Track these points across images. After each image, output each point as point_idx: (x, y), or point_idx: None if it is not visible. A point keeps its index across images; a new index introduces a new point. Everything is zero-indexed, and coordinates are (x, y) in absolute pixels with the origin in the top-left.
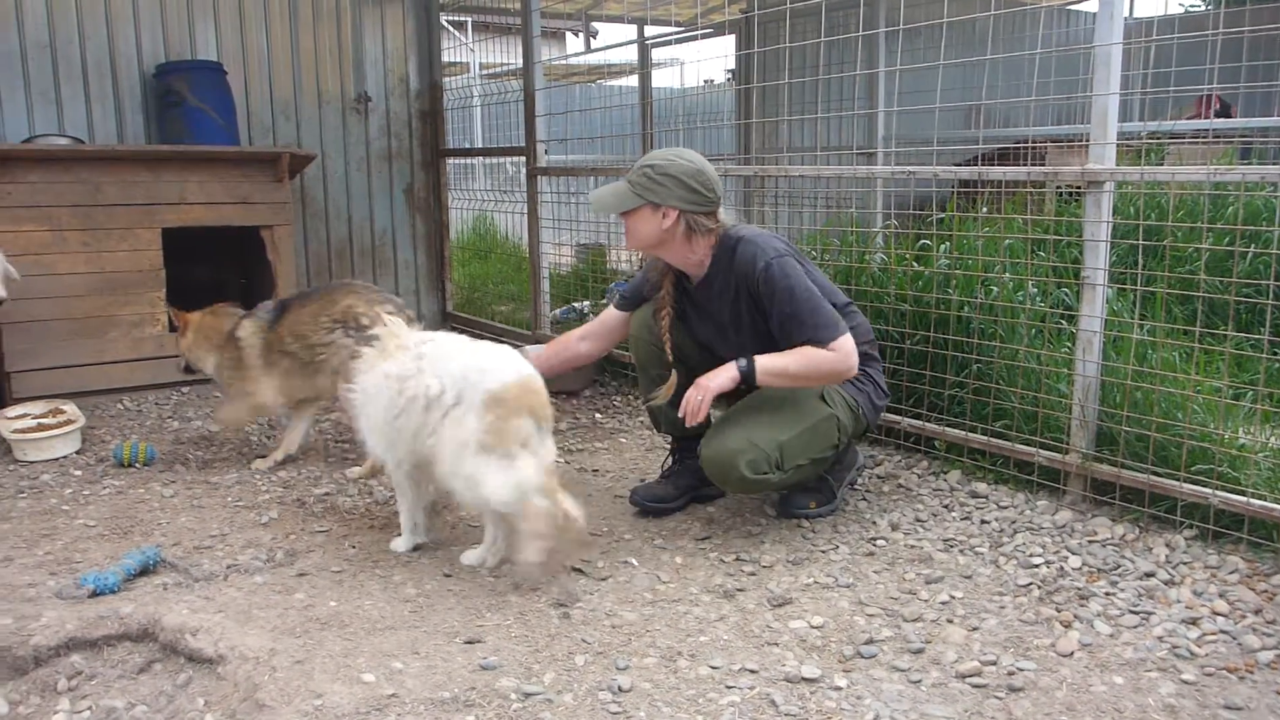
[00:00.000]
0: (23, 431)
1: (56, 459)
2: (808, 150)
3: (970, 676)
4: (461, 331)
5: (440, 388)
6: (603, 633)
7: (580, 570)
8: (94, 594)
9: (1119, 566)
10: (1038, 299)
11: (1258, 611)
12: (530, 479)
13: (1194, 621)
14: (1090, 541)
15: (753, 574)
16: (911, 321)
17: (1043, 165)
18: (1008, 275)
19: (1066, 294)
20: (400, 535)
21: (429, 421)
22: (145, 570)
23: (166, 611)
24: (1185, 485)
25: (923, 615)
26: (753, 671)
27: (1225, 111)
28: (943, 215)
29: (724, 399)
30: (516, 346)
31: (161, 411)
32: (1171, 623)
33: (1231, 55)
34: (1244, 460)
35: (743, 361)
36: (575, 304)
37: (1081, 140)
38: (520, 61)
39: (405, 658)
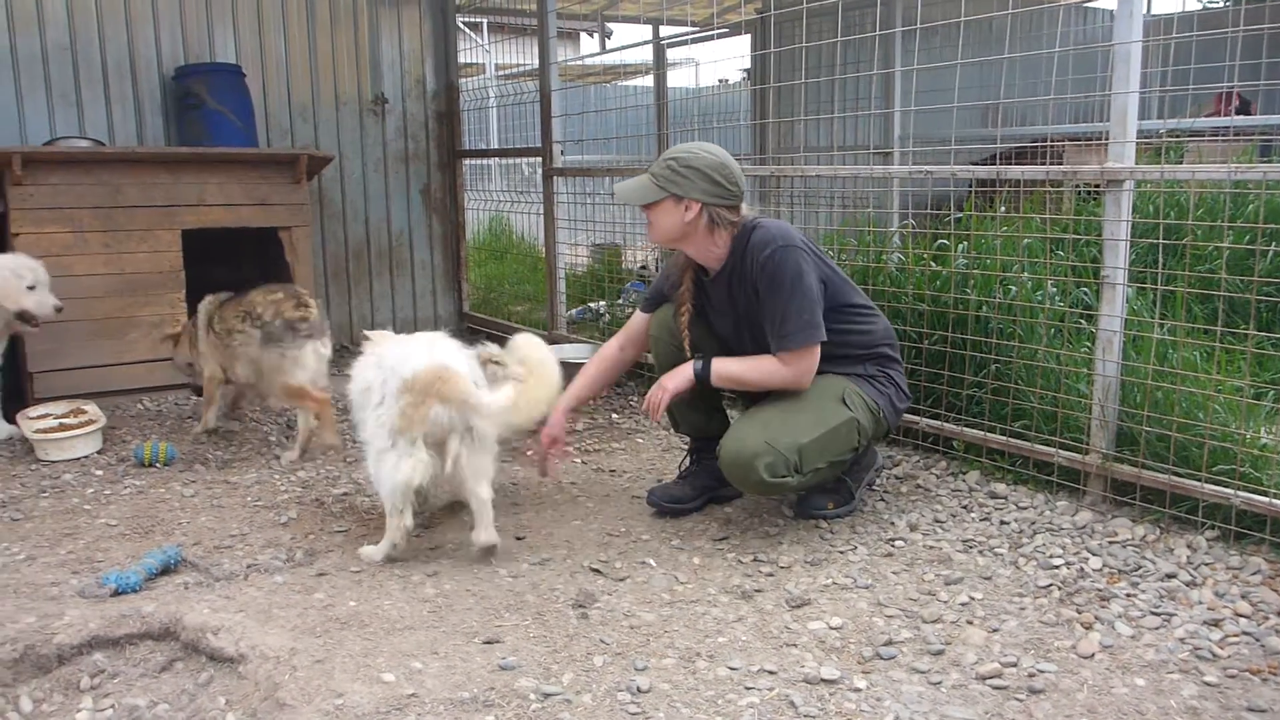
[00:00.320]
0: (45, 431)
1: (78, 459)
2: (824, 150)
3: (991, 678)
4: (477, 332)
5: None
6: (621, 633)
7: (598, 570)
8: (116, 593)
9: (1140, 567)
10: (1057, 298)
11: None
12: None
13: (1216, 623)
14: (1111, 542)
15: (771, 575)
16: (929, 321)
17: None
18: (1026, 275)
19: (1086, 293)
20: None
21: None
22: (166, 569)
23: (188, 610)
24: (1207, 486)
25: (942, 616)
26: (771, 672)
27: (1245, 109)
28: (960, 215)
29: (743, 399)
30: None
31: (181, 411)
32: (1193, 624)
33: (1251, 52)
34: (1266, 460)
35: (698, 363)
36: (591, 304)
37: (1099, 138)
38: (535, 62)
39: (424, 658)
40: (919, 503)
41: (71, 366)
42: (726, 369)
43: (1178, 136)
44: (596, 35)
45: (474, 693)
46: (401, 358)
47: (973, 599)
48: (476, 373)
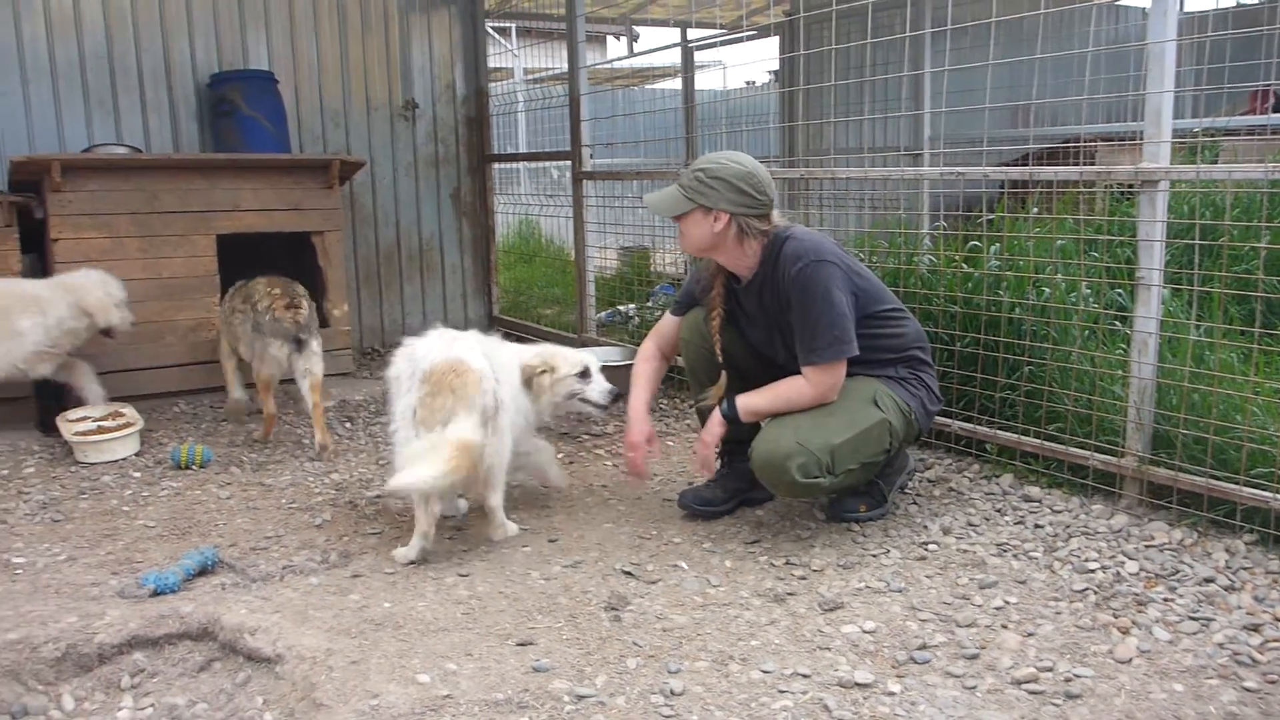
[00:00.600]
0: (84, 434)
1: (116, 461)
2: (854, 152)
3: (1026, 683)
4: (507, 335)
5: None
6: (654, 636)
7: (630, 573)
8: (155, 593)
9: (1177, 572)
10: (1090, 300)
11: None
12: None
13: (1255, 628)
14: (1147, 546)
15: (803, 578)
16: (961, 323)
17: (1093, 164)
18: (1060, 276)
19: (1120, 295)
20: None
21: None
22: (204, 570)
23: (225, 611)
24: (1245, 489)
25: (976, 621)
26: (805, 676)
27: None
28: (992, 216)
29: None
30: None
31: (216, 414)
32: (1232, 629)
33: None
34: None
35: (724, 405)
36: (620, 307)
37: (1133, 138)
38: (563, 66)
39: (459, 659)
40: (952, 506)
41: (109, 370)
42: (752, 404)
43: (1213, 135)
44: (624, 39)
45: (508, 694)
46: (425, 350)
47: (1007, 603)
48: (513, 374)
